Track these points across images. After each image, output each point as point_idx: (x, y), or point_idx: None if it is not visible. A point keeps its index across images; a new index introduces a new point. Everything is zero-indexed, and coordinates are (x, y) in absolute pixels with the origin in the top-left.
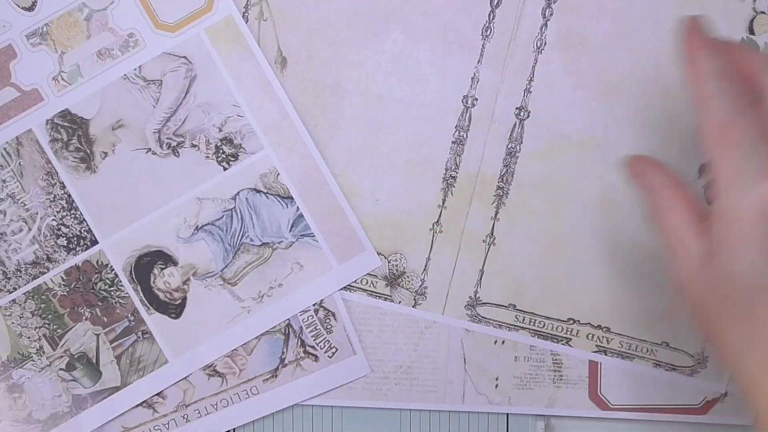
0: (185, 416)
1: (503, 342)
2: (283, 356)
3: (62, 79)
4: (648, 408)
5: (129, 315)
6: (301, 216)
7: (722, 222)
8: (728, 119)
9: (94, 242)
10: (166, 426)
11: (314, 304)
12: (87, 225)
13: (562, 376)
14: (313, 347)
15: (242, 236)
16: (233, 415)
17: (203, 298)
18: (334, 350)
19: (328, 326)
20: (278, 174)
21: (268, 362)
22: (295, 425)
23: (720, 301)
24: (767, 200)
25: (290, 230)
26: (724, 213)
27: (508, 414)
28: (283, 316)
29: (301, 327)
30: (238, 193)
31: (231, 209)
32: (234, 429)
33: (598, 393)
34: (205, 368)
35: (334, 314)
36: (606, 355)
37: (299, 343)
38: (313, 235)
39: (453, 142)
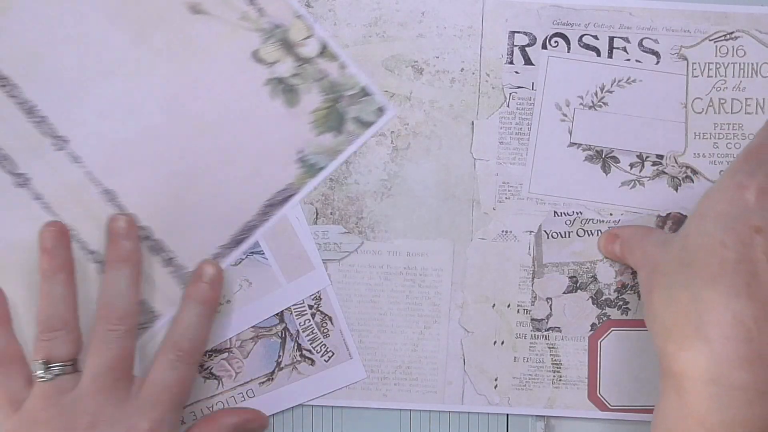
0: (182, 415)
1: (503, 342)
2: (280, 359)
3: None
4: (647, 409)
5: None
6: None
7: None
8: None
9: None
10: None
11: (311, 308)
12: None
13: (561, 376)
14: (309, 351)
15: None
16: None
17: None
18: (330, 354)
19: (325, 330)
20: None
21: (264, 365)
22: (295, 425)
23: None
24: (744, 186)
25: None
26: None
27: (508, 414)
28: (230, 332)
29: (297, 330)
30: None
31: None
32: None
33: (597, 394)
34: (201, 371)
35: (330, 318)
36: None
37: (296, 347)
38: (263, 253)
39: None
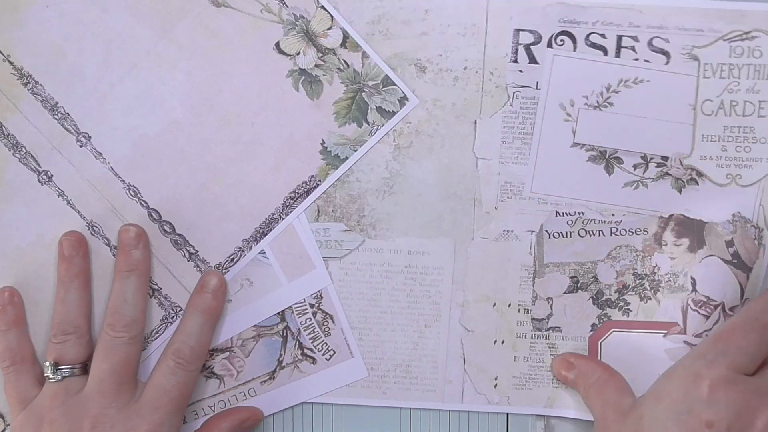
0: (182, 418)
1: (503, 342)
2: (281, 358)
3: None
4: None
5: None
6: None
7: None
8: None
9: None
10: None
11: (312, 306)
12: None
13: None
14: (311, 349)
15: None
16: None
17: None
18: (331, 353)
19: (326, 329)
20: None
21: (265, 364)
22: (295, 424)
23: None
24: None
25: None
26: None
27: (508, 414)
28: (231, 332)
29: (299, 329)
30: None
31: None
32: None
33: None
34: (203, 370)
35: (332, 317)
36: None
37: (297, 346)
38: (264, 252)
39: None
